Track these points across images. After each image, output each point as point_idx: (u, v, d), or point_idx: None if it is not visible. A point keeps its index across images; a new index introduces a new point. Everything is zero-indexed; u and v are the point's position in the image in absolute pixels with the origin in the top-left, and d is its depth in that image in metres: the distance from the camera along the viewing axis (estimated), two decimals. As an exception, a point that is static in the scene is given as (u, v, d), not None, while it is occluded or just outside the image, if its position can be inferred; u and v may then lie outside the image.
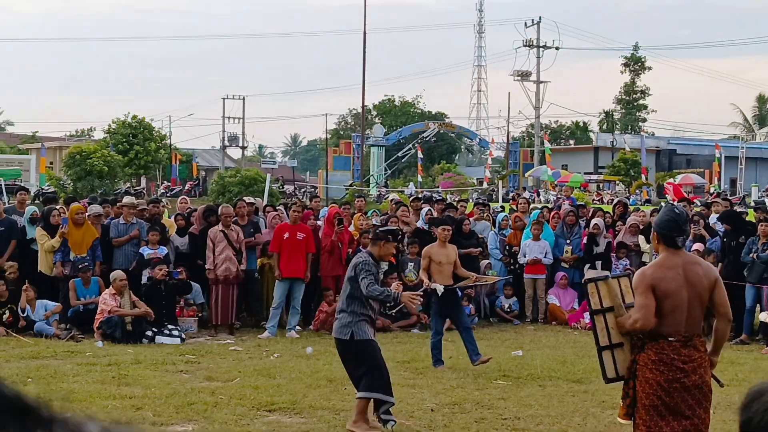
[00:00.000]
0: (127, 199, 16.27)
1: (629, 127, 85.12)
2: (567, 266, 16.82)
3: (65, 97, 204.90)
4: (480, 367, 11.59)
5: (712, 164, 56.89)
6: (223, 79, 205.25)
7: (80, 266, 14.26)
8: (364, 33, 56.64)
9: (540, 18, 66.78)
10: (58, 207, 15.48)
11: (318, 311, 14.98)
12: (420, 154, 63.10)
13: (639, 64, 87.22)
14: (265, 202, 19.83)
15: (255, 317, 15.76)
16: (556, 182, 51.44)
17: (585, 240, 16.76)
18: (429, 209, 17.47)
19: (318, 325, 14.82)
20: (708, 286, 5.99)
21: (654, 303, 5.87)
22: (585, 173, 61.14)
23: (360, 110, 64.74)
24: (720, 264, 14.94)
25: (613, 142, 70.52)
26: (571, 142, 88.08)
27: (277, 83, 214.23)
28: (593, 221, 16.95)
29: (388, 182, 63.42)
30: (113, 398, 9.42)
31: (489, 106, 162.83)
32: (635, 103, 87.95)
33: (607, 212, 18.19)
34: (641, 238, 16.55)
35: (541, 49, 67.18)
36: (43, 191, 44.03)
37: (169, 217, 17.39)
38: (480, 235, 17.01)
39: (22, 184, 49.27)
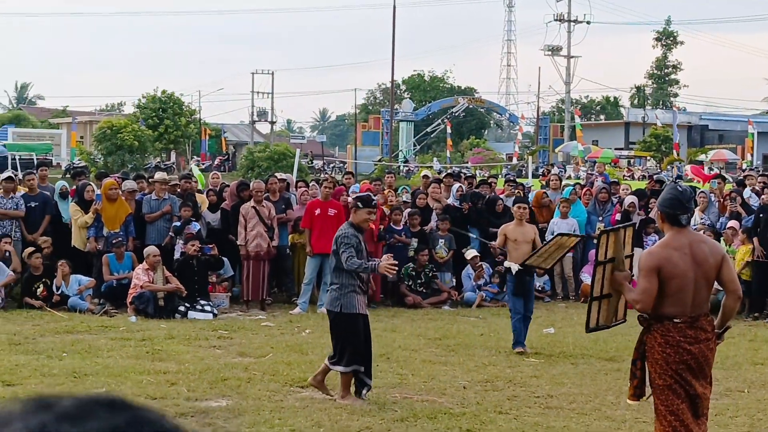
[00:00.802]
0: (158, 175, 16.32)
1: (661, 103, 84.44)
2: (598, 244, 16.70)
3: (95, 72, 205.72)
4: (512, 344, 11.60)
5: (744, 140, 56.28)
6: (252, 54, 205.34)
7: (113, 241, 14.35)
8: (394, 7, 56.44)
9: (571, -8, 66.21)
10: (91, 182, 15.57)
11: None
12: (449, 130, 62.89)
13: (671, 38, 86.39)
14: (294, 177, 19.87)
15: (286, 293, 15.81)
16: (586, 158, 51.16)
17: (617, 217, 16.66)
18: (460, 186, 17.40)
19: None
20: (715, 265, 5.95)
21: (656, 286, 5.85)
22: (615, 149, 60.75)
23: (389, 85, 64.58)
24: (755, 239, 14.85)
25: (644, 117, 69.94)
26: (602, 117, 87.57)
27: (306, 58, 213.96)
28: (628, 199, 16.85)
29: (409, 158, 62.85)
30: (147, 373, 9.49)
31: (519, 81, 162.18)
32: (667, 78, 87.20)
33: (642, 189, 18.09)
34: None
35: (572, 24, 66.68)
36: (74, 166, 44.43)
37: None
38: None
39: (53, 159, 49.90)
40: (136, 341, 11.40)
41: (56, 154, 55.62)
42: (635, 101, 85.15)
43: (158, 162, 54.86)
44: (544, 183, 25.63)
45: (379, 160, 55.08)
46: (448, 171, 22.21)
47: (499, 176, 35.26)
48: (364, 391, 8.70)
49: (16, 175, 16.91)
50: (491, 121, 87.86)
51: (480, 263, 15.86)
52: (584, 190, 18.02)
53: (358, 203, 8.87)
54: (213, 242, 14.98)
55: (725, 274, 6.03)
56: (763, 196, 15.77)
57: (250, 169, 43.51)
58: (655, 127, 60.81)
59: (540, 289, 16.57)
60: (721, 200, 16.72)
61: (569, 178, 35.69)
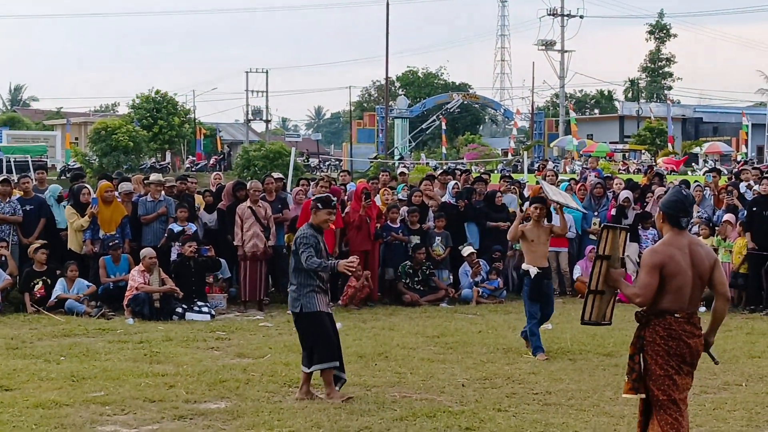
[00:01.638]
0: (154, 177, 16.30)
1: (655, 96, 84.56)
2: (595, 238, 16.72)
3: (88, 73, 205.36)
4: (510, 341, 11.61)
5: (738, 132, 56.33)
6: (246, 53, 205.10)
7: (110, 244, 14.35)
8: (387, 4, 56.43)
9: (564, -14, 66.20)
10: (87, 185, 15.53)
11: (346, 286, 14.99)
12: (444, 126, 62.89)
13: (664, 31, 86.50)
14: (290, 176, 19.84)
15: (283, 293, 15.79)
16: (581, 152, 51.18)
17: (612, 212, 16.68)
18: (455, 183, 17.39)
19: (346, 300, 14.84)
20: (709, 267, 6.31)
21: (657, 282, 6.16)
22: (610, 142, 60.78)
23: (383, 82, 64.55)
24: (748, 233, 14.87)
25: (638, 110, 69.97)
26: (596, 111, 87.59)
27: (300, 56, 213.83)
28: (623, 194, 16.86)
29: (402, 154, 62.78)
30: (146, 376, 9.48)
31: (513, 76, 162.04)
32: (660, 71, 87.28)
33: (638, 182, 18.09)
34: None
35: (565, 18, 66.69)
36: (70, 167, 44.39)
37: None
38: (511, 209, 16.88)
39: (48, 161, 49.80)
40: (134, 344, 11.39)
41: (51, 156, 55.53)
42: (629, 95, 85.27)
43: (153, 162, 54.88)
44: (539, 178, 25.62)
45: (375, 157, 55.07)
46: (444, 168, 22.20)
47: (495, 171, 35.26)
48: (337, 387, 8.77)
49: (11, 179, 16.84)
50: (486, 117, 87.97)
51: (477, 260, 15.87)
52: (578, 185, 18.04)
53: (318, 204, 8.93)
54: (210, 243, 14.95)
55: (717, 277, 6.37)
56: (757, 187, 15.78)
57: (245, 168, 43.48)
58: (649, 121, 60.87)
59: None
60: (716, 194, 16.72)
61: (564, 173, 35.70)
